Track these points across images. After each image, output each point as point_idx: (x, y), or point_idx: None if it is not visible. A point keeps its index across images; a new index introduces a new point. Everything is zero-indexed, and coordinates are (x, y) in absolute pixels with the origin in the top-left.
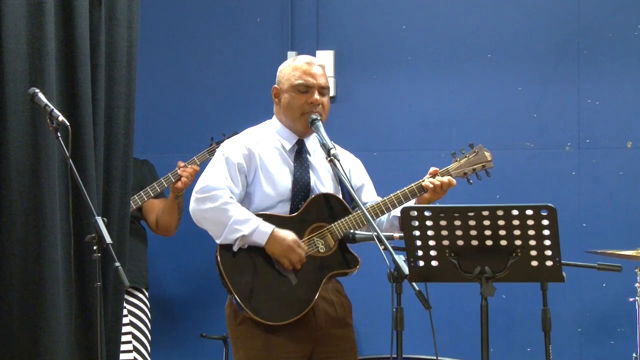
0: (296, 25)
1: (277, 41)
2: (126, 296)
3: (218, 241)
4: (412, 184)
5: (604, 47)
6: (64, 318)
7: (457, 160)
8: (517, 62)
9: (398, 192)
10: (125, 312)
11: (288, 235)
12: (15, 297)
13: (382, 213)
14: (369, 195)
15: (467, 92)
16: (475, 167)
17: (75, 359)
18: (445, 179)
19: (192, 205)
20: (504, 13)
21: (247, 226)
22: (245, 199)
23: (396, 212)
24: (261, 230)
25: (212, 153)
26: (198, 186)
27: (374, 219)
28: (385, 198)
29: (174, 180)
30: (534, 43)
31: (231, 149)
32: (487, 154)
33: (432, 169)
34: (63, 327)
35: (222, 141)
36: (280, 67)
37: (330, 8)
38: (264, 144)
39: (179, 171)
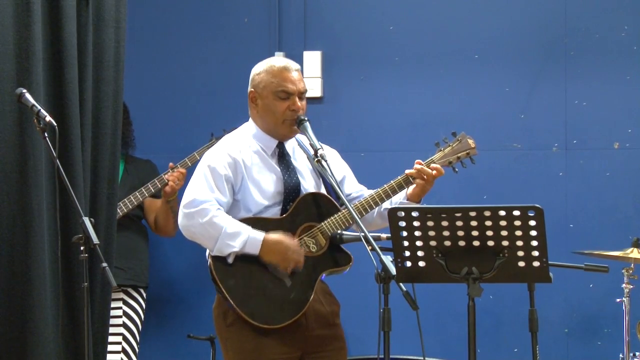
0: (284, 25)
1: (264, 42)
2: (124, 296)
3: (212, 253)
4: (399, 177)
5: (591, 47)
6: (51, 318)
7: (441, 150)
8: (505, 63)
9: (385, 185)
10: (120, 312)
11: (279, 238)
12: (2, 297)
13: (371, 208)
14: (351, 186)
15: (454, 92)
16: (459, 155)
17: (62, 359)
18: (432, 170)
19: (181, 221)
20: (491, 14)
21: (237, 241)
22: (234, 207)
23: (386, 204)
24: (252, 242)
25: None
26: (185, 200)
27: (362, 215)
28: (373, 193)
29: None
30: (521, 44)
31: (216, 159)
32: (470, 141)
33: (417, 161)
34: (50, 328)
35: (222, 137)
36: (255, 71)
37: (317, 9)
38: (246, 150)
39: (164, 176)
